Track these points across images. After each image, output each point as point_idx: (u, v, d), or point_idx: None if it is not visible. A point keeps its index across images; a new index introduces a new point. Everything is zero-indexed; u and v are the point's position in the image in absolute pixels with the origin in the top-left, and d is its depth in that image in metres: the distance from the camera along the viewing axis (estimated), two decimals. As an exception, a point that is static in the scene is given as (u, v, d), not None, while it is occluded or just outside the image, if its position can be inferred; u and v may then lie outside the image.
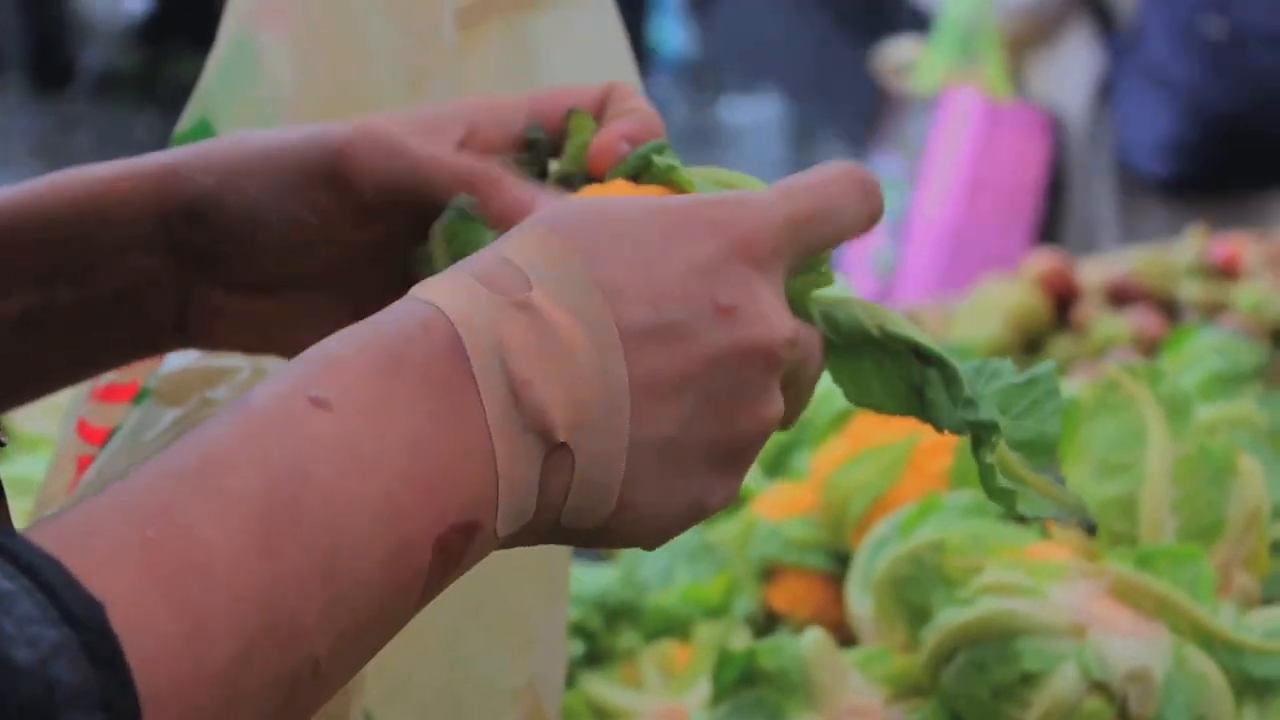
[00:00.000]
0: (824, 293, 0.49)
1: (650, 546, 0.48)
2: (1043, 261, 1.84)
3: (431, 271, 0.49)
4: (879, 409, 0.51)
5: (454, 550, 0.42)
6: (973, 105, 2.84)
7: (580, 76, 0.55)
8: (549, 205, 0.47)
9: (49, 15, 6.55)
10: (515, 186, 0.52)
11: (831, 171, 0.49)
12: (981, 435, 0.47)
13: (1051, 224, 2.83)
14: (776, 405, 0.46)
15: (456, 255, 0.49)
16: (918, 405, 0.49)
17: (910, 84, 3.04)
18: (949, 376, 0.48)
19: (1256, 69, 2.40)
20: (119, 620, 0.34)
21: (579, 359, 0.42)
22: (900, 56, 3.11)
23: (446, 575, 0.42)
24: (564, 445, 0.42)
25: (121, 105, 6.24)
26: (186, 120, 0.60)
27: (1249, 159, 2.51)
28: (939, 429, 0.49)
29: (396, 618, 0.41)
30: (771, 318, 0.45)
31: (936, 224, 2.87)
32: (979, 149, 2.79)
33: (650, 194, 0.48)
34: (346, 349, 0.41)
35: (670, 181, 0.49)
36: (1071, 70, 2.75)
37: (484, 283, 0.42)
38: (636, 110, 0.52)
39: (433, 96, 0.55)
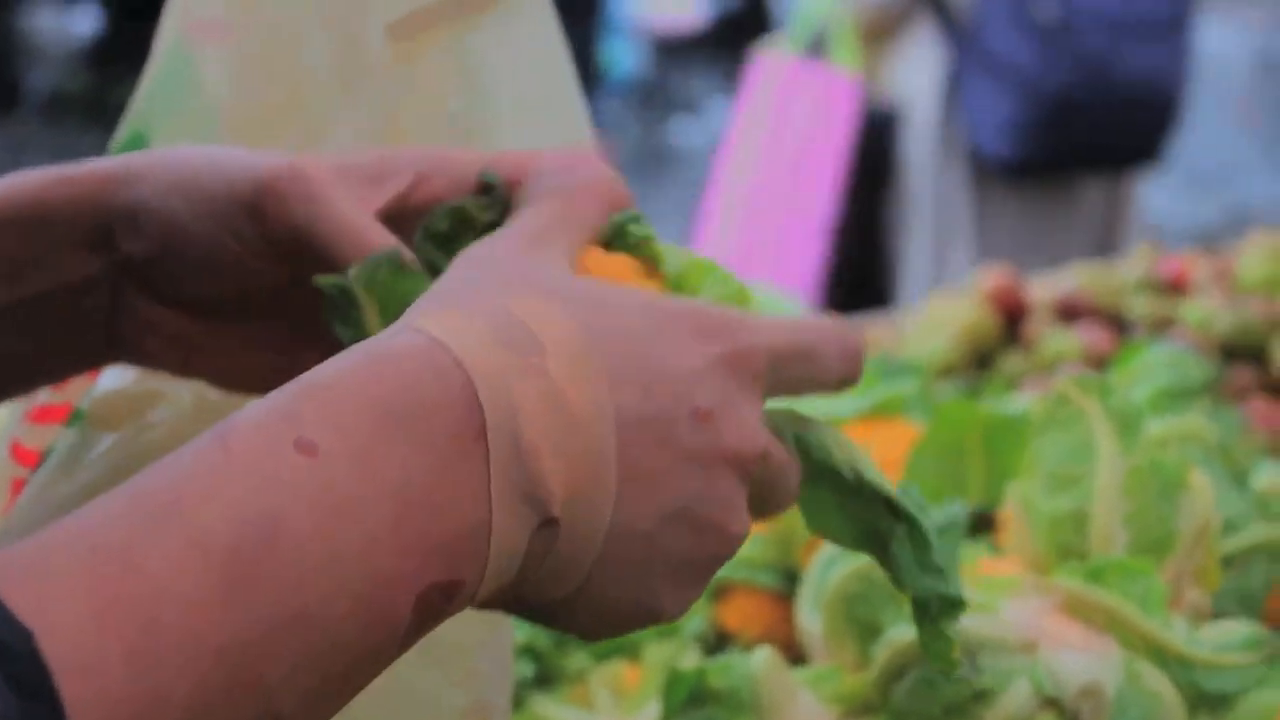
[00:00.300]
0: (804, 416, 0.49)
1: (591, 638, 0.47)
2: (992, 278, 1.85)
3: (352, 322, 0.47)
4: (836, 541, 0.51)
5: (433, 608, 0.40)
6: (779, 68, 2.96)
7: (520, 86, 0.54)
8: (541, 272, 0.45)
9: (-5, 38, 6.46)
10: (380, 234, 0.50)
11: (821, 323, 0.50)
12: (942, 608, 0.48)
13: (881, 208, 2.94)
14: (743, 523, 0.45)
15: (386, 308, 0.47)
16: (879, 552, 0.49)
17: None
18: (918, 539, 0.47)
19: (1086, 51, 2.57)
20: (58, 655, 0.32)
21: (581, 435, 0.41)
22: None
23: (421, 631, 0.41)
24: (555, 519, 0.40)
25: (70, 127, 6.18)
26: (122, 132, 0.59)
27: (1084, 140, 2.68)
28: (899, 587, 0.49)
29: (367, 674, 0.40)
30: (746, 429, 0.44)
31: (736, 185, 2.99)
32: (780, 108, 2.89)
33: (621, 263, 0.48)
34: (340, 383, 0.39)
35: (644, 254, 0.48)
36: (921, 63, 2.85)
37: (499, 338, 0.40)
38: (603, 178, 0.50)
39: (366, 108, 0.54)
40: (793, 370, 0.47)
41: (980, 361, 1.74)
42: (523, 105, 0.56)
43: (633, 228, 0.48)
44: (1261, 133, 6.55)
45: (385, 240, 0.49)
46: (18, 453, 0.61)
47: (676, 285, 0.48)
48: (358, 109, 0.55)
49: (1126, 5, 2.59)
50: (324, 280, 0.47)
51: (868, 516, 0.48)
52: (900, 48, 2.89)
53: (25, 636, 0.32)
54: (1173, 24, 2.65)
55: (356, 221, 0.50)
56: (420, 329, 0.40)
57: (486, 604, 0.43)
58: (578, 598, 0.43)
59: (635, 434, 0.42)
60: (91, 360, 0.58)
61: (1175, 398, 1.14)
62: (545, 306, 0.42)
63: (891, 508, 0.47)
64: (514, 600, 0.44)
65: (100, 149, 0.60)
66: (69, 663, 0.32)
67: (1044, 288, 1.86)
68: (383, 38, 0.55)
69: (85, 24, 7.00)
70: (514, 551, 0.40)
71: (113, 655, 0.33)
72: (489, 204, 0.50)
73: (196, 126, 0.56)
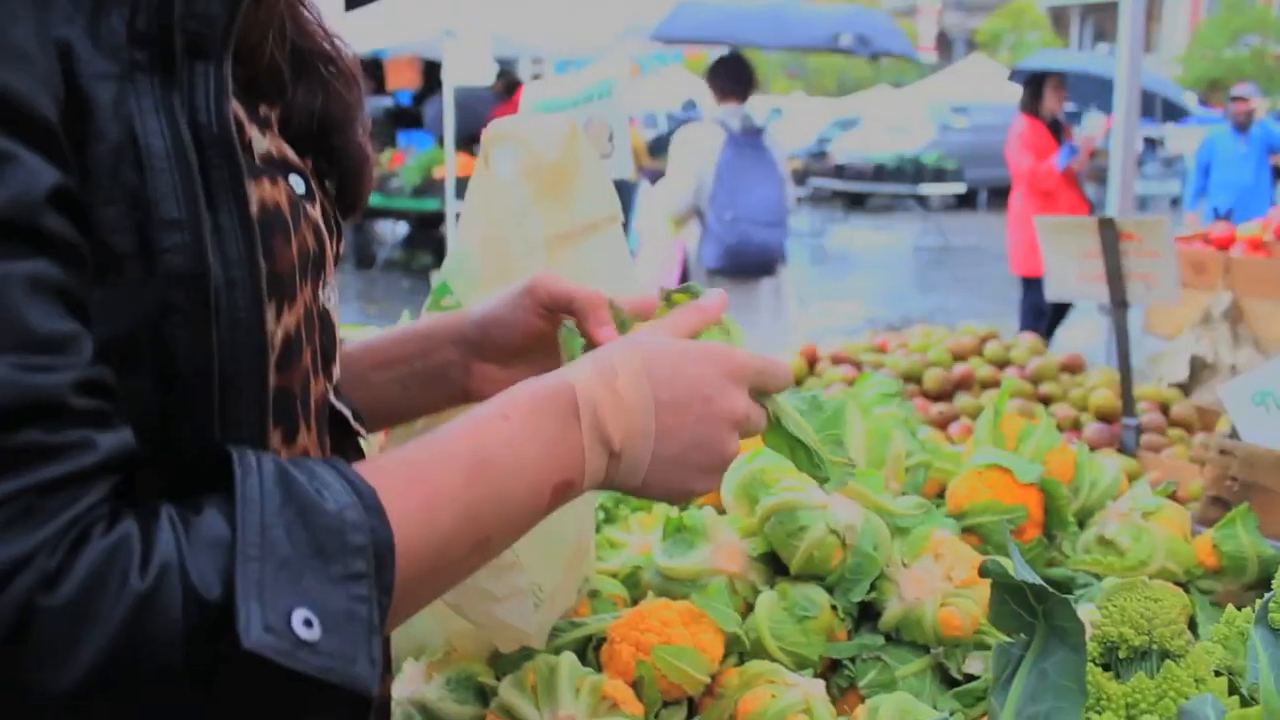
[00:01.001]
0: (774, 397, 0.92)
1: (661, 501, 0.87)
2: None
3: (564, 355, 0.99)
4: (774, 450, 0.97)
5: (560, 492, 0.77)
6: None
7: (609, 269, 1.25)
8: (642, 336, 0.86)
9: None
10: (605, 322, 0.93)
11: (776, 359, 0.90)
12: (823, 469, 0.96)
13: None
14: (734, 447, 0.85)
15: (567, 351, 0.95)
16: (794, 456, 0.95)
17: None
18: (813, 455, 0.95)
19: (742, 230, 5.20)
20: (388, 503, 0.64)
21: (633, 415, 0.79)
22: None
23: (555, 505, 0.77)
24: (616, 453, 0.79)
25: (396, 278, 11.46)
26: (435, 282, 1.23)
27: (741, 264, 5.31)
28: (801, 469, 0.97)
29: (531, 523, 0.77)
30: (733, 404, 0.83)
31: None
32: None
33: (678, 311, 0.97)
34: (522, 392, 0.78)
35: (692, 297, 0.96)
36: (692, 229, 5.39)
37: (597, 372, 0.79)
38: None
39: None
40: (763, 379, 0.88)
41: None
42: (608, 279, 1.26)
43: (686, 293, 1.01)
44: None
45: (595, 298, 0.92)
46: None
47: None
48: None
49: (762, 209, 4.97)
50: (562, 331, 1.02)
51: (790, 441, 0.95)
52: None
53: (371, 491, 0.64)
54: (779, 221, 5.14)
55: (581, 289, 0.94)
56: (560, 374, 0.80)
57: (588, 488, 0.80)
58: (642, 486, 0.82)
59: (668, 409, 0.80)
60: (454, 402, 1.05)
61: (885, 398, 1.94)
62: (628, 352, 0.82)
63: (801, 440, 0.95)
64: (608, 487, 0.82)
65: (413, 291, 1.24)
66: (393, 507, 0.64)
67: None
68: (544, 244, 1.24)
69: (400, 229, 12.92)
70: (598, 467, 0.78)
71: (415, 507, 0.67)
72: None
73: (470, 279, 1.24)
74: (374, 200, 11.18)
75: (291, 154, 0.79)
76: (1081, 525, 1.63)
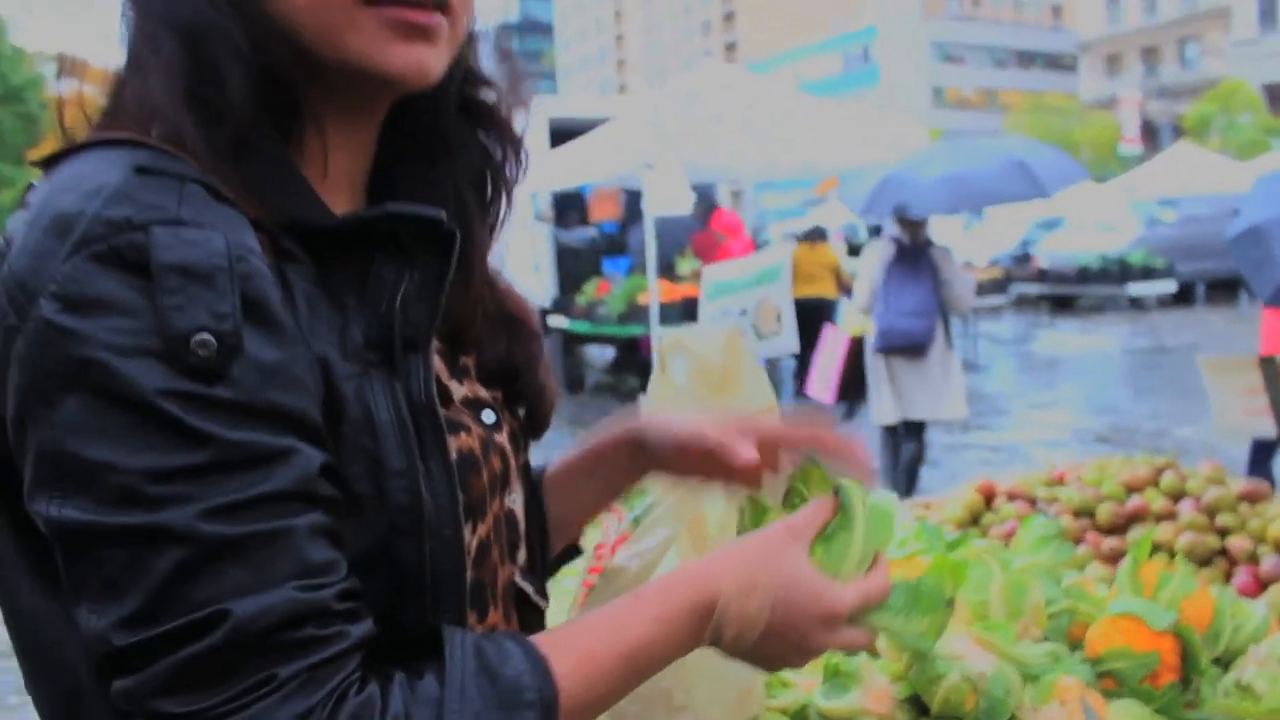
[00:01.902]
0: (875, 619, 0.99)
1: (765, 669, 0.99)
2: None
3: (745, 519, 1.05)
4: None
5: (684, 651, 0.91)
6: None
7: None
8: (781, 556, 0.93)
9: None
10: (746, 450, 1.04)
11: (880, 583, 0.99)
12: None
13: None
14: (814, 653, 0.95)
15: (747, 523, 1.05)
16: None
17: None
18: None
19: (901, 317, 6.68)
20: (554, 667, 0.81)
21: (747, 628, 0.91)
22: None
23: (680, 655, 0.91)
24: (724, 643, 0.92)
25: (603, 401, 11.78)
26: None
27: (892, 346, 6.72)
28: None
29: (669, 663, 0.90)
30: (828, 642, 0.94)
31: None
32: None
33: (810, 510, 0.98)
34: (675, 581, 0.91)
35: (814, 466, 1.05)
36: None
37: (738, 589, 0.90)
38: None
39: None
40: (862, 607, 0.96)
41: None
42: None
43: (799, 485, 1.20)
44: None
45: (727, 438, 1.06)
46: (586, 580, 1.54)
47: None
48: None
49: (911, 302, 6.40)
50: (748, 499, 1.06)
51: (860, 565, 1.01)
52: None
53: (544, 659, 0.81)
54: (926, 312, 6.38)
55: (716, 433, 1.07)
56: (708, 570, 0.91)
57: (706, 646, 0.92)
58: (750, 659, 0.95)
59: (774, 627, 0.91)
60: (621, 496, 1.25)
61: (1044, 542, 2.11)
62: (771, 576, 0.92)
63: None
64: (721, 650, 0.93)
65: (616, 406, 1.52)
66: (557, 671, 0.81)
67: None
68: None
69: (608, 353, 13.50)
70: (710, 645, 0.92)
71: (569, 667, 0.82)
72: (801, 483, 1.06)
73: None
74: (582, 327, 12.02)
75: (484, 393, 1.01)
76: (1227, 668, 1.76)
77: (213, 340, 0.71)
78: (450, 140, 0.99)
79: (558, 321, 12.78)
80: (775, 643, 0.93)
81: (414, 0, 0.86)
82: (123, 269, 0.71)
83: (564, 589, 1.50)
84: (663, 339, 1.58)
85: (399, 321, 0.84)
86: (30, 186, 0.81)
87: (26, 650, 0.83)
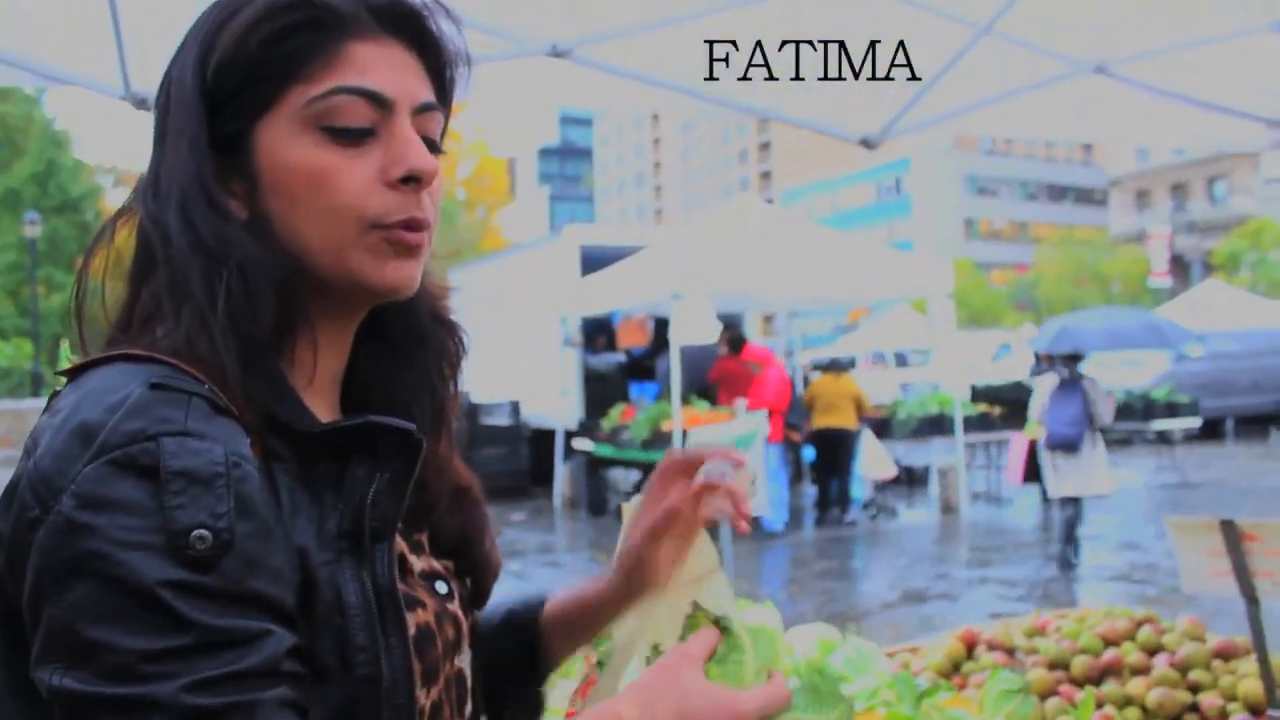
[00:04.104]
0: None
1: None
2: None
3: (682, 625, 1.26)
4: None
5: None
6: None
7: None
8: (680, 679, 0.99)
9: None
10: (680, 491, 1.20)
11: (778, 693, 1.02)
12: None
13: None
14: None
15: (687, 625, 1.09)
16: None
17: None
18: None
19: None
20: None
21: None
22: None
23: None
24: None
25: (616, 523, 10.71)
26: None
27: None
28: None
29: None
30: None
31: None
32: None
33: (701, 635, 1.04)
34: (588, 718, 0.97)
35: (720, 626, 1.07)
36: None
37: (641, 709, 0.95)
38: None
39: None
40: (765, 713, 1.00)
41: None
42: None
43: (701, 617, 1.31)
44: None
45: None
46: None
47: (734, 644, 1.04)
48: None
49: (1064, 417, 9.48)
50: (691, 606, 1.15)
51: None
52: None
53: None
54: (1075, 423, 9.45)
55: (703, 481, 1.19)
56: (618, 701, 0.96)
57: None
58: None
59: None
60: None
61: (1007, 696, 2.25)
62: (671, 696, 0.96)
63: None
64: None
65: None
66: None
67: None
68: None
69: (632, 475, 13.02)
70: None
71: None
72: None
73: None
74: (607, 451, 12.22)
75: (438, 564, 1.09)
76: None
77: (209, 535, 0.81)
78: (425, 336, 1.11)
79: (582, 444, 12.99)
80: None
81: (411, 224, 0.97)
82: (135, 474, 0.81)
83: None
84: (627, 504, 1.77)
85: (369, 515, 0.94)
86: (56, 393, 0.91)
87: None
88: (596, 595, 1.29)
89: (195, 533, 0.80)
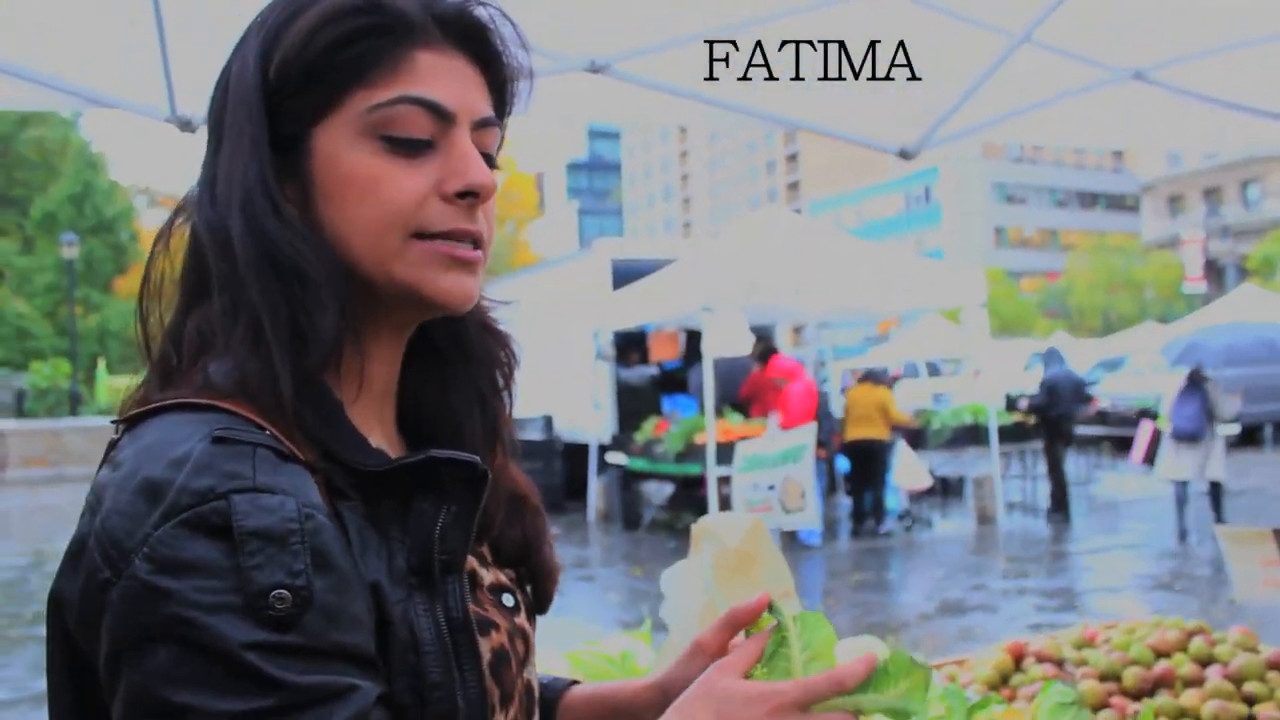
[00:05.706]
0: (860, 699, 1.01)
1: None
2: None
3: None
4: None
5: None
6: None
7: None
8: (720, 684, 0.97)
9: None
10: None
11: (840, 674, 0.98)
12: None
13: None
14: None
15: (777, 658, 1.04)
16: None
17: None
18: None
19: None
20: None
21: None
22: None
23: None
24: None
25: (661, 537, 12.35)
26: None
27: None
28: None
29: None
30: None
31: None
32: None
33: (750, 642, 1.03)
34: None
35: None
36: None
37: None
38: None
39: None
40: (815, 697, 0.95)
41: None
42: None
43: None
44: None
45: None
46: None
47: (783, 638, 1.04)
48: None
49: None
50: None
51: None
52: None
53: None
54: None
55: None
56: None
57: None
58: None
59: None
60: None
61: (1061, 709, 2.22)
62: (701, 706, 0.94)
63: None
64: None
65: (677, 551, 1.66)
66: None
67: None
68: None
69: (665, 489, 14.28)
70: None
71: None
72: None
73: (664, 650, 1.69)
74: (641, 465, 12.24)
75: (505, 578, 1.08)
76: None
77: (288, 594, 0.79)
78: (475, 349, 1.09)
79: (616, 458, 12.99)
80: None
81: (457, 235, 0.95)
82: (208, 534, 0.79)
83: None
84: (696, 524, 1.76)
85: (438, 550, 0.92)
86: (113, 444, 0.89)
87: None
88: (627, 700, 1.24)
89: (275, 593, 0.79)
